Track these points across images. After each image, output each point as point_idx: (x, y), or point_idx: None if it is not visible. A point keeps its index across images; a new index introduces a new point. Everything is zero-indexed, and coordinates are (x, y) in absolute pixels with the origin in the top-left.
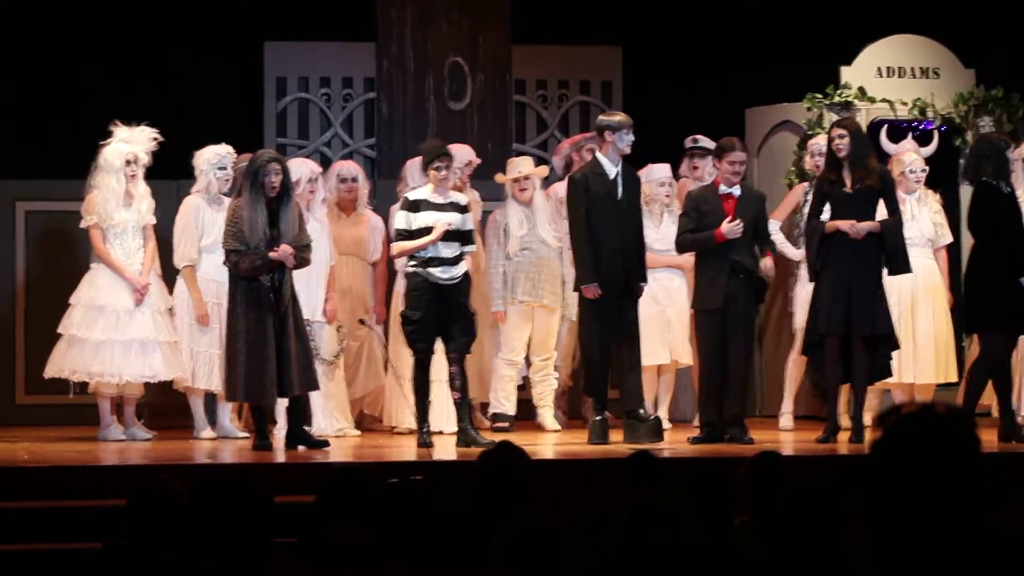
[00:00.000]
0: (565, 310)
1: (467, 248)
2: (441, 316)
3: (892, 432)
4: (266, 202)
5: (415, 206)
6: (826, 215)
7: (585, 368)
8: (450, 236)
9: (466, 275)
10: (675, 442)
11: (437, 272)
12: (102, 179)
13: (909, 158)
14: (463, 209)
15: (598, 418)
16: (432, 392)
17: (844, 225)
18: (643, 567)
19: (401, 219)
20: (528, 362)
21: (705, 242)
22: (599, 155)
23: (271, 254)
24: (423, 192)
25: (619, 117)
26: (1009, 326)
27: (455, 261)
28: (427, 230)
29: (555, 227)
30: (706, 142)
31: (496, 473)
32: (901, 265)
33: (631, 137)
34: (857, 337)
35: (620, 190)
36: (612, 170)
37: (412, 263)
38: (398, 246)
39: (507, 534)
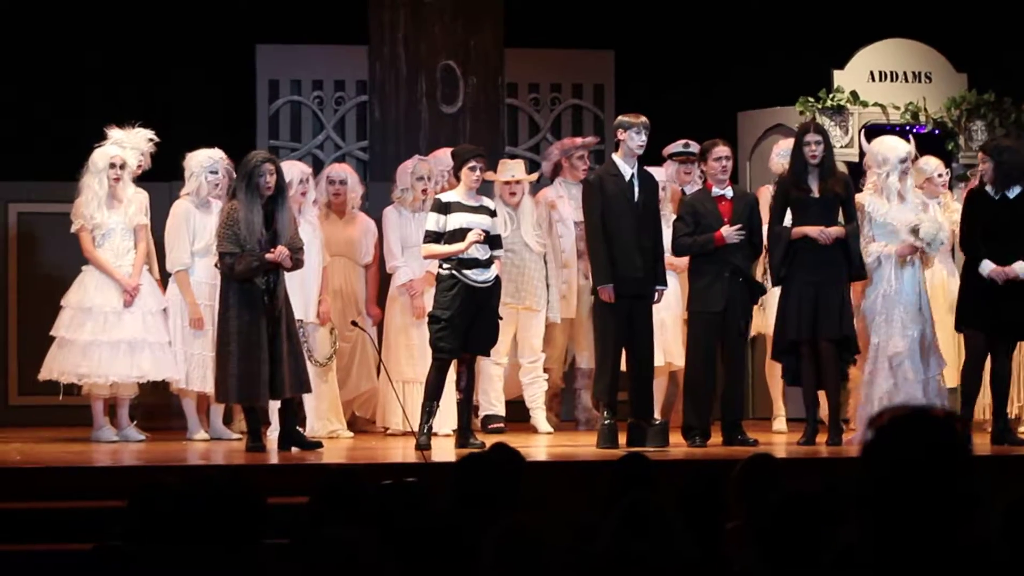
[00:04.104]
0: (549, 312)
1: (496, 252)
2: (471, 319)
3: (883, 434)
4: (262, 203)
5: (446, 208)
6: (787, 220)
7: (597, 370)
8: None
9: (498, 278)
10: (675, 445)
11: (472, 274)
12: (87, 181)
13: (932, 163)
14: (492, 213)
15: (607, 422)
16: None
17: (813, 231)
18: (632, 573)
19: (431, 220)
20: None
21: (704, 245)
22: (615, 156)
23: (268, 256)
24: (454, 194)
25: (631, 117)
26: (977, 324)
27: (488, 264)
28: (458, 232)
29: (539, 234)
30: (695, 147)
31: (491, 475)
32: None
33: (642, 138)
34: (824, 339)
35: (636, 192)
36: (628, 171)
37: (446, 265)
38: (427, 249)
39: (494, 538)
